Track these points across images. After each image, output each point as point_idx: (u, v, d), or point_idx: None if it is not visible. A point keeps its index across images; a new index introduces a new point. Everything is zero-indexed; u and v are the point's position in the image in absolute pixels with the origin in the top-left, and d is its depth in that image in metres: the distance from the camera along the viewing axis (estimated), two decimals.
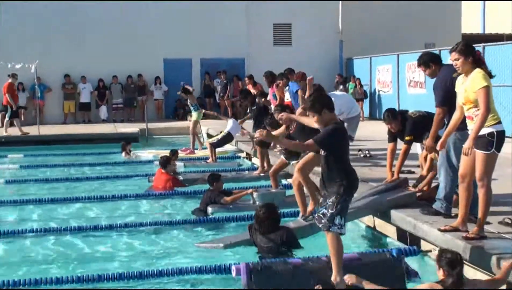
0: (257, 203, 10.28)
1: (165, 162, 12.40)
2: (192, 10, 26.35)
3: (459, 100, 6.64)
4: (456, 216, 7.54)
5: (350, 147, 10.78)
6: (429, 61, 8.00)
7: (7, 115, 21.52)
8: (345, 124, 10.72)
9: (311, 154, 8.67)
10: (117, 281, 7.02)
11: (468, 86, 6.47)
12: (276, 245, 7.71)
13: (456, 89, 6.84)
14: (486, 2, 39.06)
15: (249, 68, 27.04)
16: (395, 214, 8.16)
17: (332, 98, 10.47)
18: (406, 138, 9.06)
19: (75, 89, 25.96)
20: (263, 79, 16.45)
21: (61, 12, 25.63)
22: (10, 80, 21.32)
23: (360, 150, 13.48)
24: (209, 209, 10.22)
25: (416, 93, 21.13)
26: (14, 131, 21.80)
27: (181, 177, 12.69)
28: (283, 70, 13.91)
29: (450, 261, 5.35)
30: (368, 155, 13.37)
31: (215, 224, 9.64)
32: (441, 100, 7.48)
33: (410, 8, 27.95)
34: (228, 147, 16.76)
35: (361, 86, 24.44)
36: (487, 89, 6.33)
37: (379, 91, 24.22)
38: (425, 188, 8.75)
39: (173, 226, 9.51)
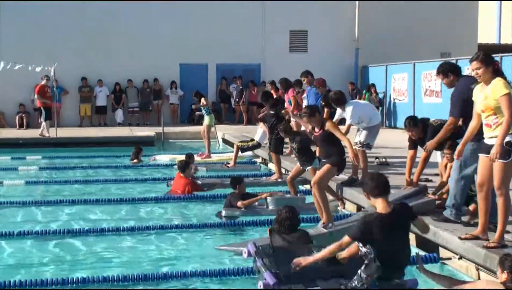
0: (271, 208, 10.43)
1: (184, 166, 12.50)
2: (208, 13, 26.53)
3: (478, 108, 6.73)
4: (468, 224, 7.67)
5: (367, 155, 11.05)
6: (449, 71, 8.14)
7: (42, 117, 21.71)
8: (365, 132, 10.89)
9: (327, 166, 8.81)
10: (142, 281, 7.18)
11: (489, 93, 6.57)
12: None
13: (473, 98, 6.94)
14: (503, 11, 38.98)
15: (265, 74, 27.22)
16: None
17: (351, 107, 10.73)
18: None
19: (91, 92, 26.17)
20: (268, 87, 16.66)
21: (79, 15, 25.84)
22: (43, 82, 21.59)
23: (377, 157, 13.58)
24: (223, 213, 10.38)
25: (432, 102, 21.17)
26: (31, 133, 22.15)
27: (199, 182, 12.81)
28: (300, 73, 13.93)
29: None
30: (384, 162, 13.46)
31: (234, 227, 9.77)
32: (458, 111, 7.61)
33: (426, 17, 27.97)
34: (246, 153, 16.84)
35: (377, 94, 24.51)
36: (510, 96, 6.44)
37: (394, 99, 24.28)
38: (444, 196, 8.82)
39: (193, 229, 9.65)
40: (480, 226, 6.98)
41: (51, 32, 25.60)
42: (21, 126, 25.03)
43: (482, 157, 6.79)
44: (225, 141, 21.73)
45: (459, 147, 7.19)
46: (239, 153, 15.56)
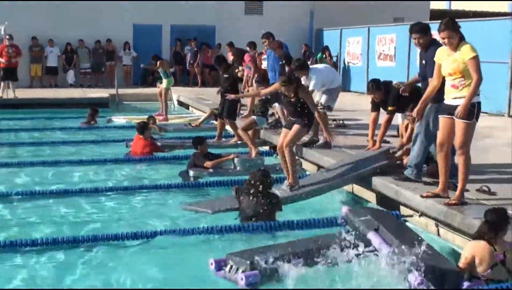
0: (238, 168, 10.54)
1: (143, 127, 12.45)
2: None
3: (445, 71, 6.89)
4: (427, 183, 7.92)
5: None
6: (428, 29, 8.06)
7: None
8: (325, 95, 11.03)
9: (297, 127, 8.88)
10: (108, 241, 7.16)
11: (457, 57, 6.74)
12: (264, 208, 7.87)
13: (439, 61, 7.08)
14: None
15: (220, 36, 27.05)
16: (376, 180, 8.48)
17: (315, 75, 10.85)
18: (389, 108, 9.35)
19: (42, 52, 25.64)
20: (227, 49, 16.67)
21: None
22: (6, 43, 21.02)
23: (334, 120, 13.76)
24: (190, 172, 10.42)
25: (385, 66, 21.45)
26: None
27: (159, 143, 12.81)
28: (262, 34, 13.91)
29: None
30: (342, 124, 13.68)
31: (198, 188, 9.83)
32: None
33: None
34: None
35: (331, 57, 24.66)
36: (477, 59, 6.64)
37: (348, 63, 24.50)
38: (404, 157, 9.03)
39: (156, 189, 9.67)
40: (441, 184, 7.21)
41: None
42: None
43: (442, 118, 7.00)
44: (180, 103, 21.68)
45: (418, 106, 7.38)
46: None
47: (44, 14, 25.31)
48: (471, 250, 5.58)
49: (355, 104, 17.70)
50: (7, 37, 20.98)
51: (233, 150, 12.32)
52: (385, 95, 9.45)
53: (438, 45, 7.39)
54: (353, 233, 6.30)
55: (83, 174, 11.05)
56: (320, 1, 27.41)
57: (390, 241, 5.88)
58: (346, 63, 24.68)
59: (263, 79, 11.16)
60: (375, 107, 9.80)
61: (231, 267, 6.09)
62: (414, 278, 5.38)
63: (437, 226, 7.25)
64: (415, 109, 7.44)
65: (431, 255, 5.70)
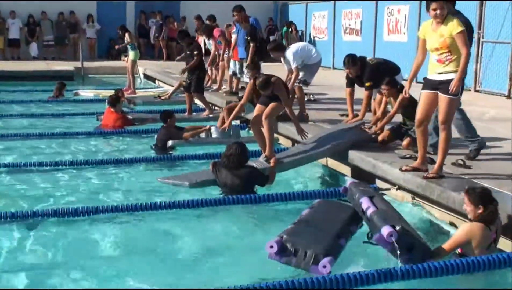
0: (214, 137, 10.63)
1: (114, 101, 12.40)
2: None
3: (431, 46, 6.91)
4: (404, 157, 8.06)
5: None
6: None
7: None
8: (302, 71, 11.08)
9: (276, 103, 8.93)
10: (79, 215, 7.09)
11: (444, 32, 6.76)
12: (242, 181, 7.95)
13: (422, 35, 7.13)
14: None
15: (184, 9, 26.88)
16: (353, 153, 8.58)
17: (290, 52, 10.91)
18: (366, 84, 9.46)
19: (3, 24, 25.15)
20: (195, 22, 16.62)
21: None
22: None
23: (305, 94, 13.82)
24: (169, 143, 10.46)
25: (352, 40, 21.59)
26: None
27: (130, 117, 12.76)
28: (233, 8, 13.84)
29: (489, 194, 5.65)
30: (312, 98, 13.77)
31: (175, 161, 9.84)
32: None
33: None
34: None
35: (297, 31, 24.70)
36: (465, 33, 6.71)
37: (314, 37, 24.57)
38: (378, 131, 9.17)
39: (131, 163, 9.62)
40: (420, 158, 7.34)
41: None
42: None
43: (426, 93, 7.06)
44: (146, 77, 21.55)
45: (406, 85, 7.43)
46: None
47: None
48: (470, 235, 5.47)
49: (322, 78, 17.69)
50: None
51: (205, 123, 12.33)
52: (361, 70, 9.55)
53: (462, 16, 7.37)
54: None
55: (56, 147, 10.97)
56: None
57: (379, 207, 5.92)
58: (312, 37, 24.75)
59: (254, 67, 11.05)
60: (350, 83, 9.90)
61: (300, 251, 5.37)
62: (386, 229, 5.30)
63: (413, 198, 7.41)
64: (405, 89, 7.50)
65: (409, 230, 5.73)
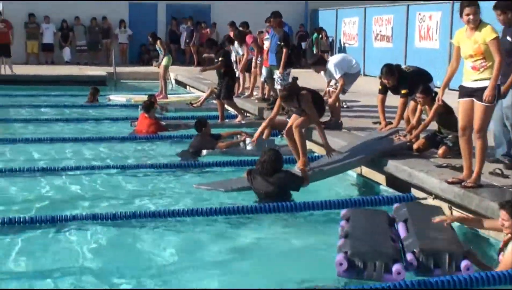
0: (248, 148, 10.65)
1: (149, 107, 12.52)
2: None
3: (465, 53, 6.90)
4: (441, 166, 8.02)
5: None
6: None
7: None
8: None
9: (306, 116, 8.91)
10: (117, 219, 7.14)
11: (478, 38, 6.75)
12: (276, 187, 7.97)
13: (457, 43, 7.11)
14: None
15: (215, 15, 27.03)
16: (388, 162, 8.54)
17: (331, 63, 11.04)
18: (402, 92, 9.39)
19: (38, 28, 25.53)
20: (228, 28, 16.69)
21: None
22: None
23: None
24: (204, 153, 10.52)
25: (383, 47, 21.53)
26: None
27: (163, 123, 12.87)
28: (270, 14, 13.87)
29: None
30: (345, 106, 13.77)
31: (209, 168, 9.88)
32: None
33: None
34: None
35: (327, 38, 24.70)
36: (498, 40, 6.71)
37: (344, 43, 24.55)
38: (414, 139, 9.14)
39: (168, 169, 9.72)
40: (466, 169, 7.19)
41: None
42: None
43: (463, 101, 7.03)
44: (178, 82, 21.69)
45: (440, 92, 7.42)
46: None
47: None
48: None
49: (353, 85, 17.67)
50: None
51: (238, 129, 12.39)
52: (398, 80, 9.51)
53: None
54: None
55: (90, 151, 11.10)
56: None
57: (410, 230, 6.00)
58: (342, 44, 24.73)
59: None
60: (383, 90, 9.87)
61: (369, 264, 5.37)
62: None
63: (450, 209, 7.35)
64: (438, 95, 7.49)
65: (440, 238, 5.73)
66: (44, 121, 13.84)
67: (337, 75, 11.12)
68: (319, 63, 11.55)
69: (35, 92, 18.49)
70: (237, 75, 14.80)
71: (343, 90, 11.27)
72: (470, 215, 6.55)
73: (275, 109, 9.44)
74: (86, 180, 9.11)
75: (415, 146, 8.87)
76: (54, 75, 21.43)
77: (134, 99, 16.76)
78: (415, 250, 5.52)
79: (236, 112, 13.49)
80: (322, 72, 11.57)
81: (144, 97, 14.77)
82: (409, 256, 5.51)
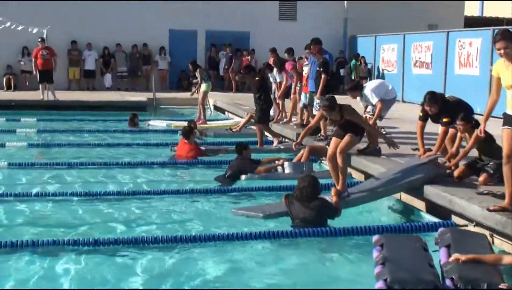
0: (287, 172, 10.71)
1: (188, 132, 12.68)
2: None
3: (506, 83, 6.89)
4: (482, 193, 7.95)
5: None
6: None
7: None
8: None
9: (350, 135, 8.94)
10: (158, 243, 7.23)
11: None
12: (314, 213, 8.02)
13: (495, 74, 7.12)
14: None
15: (254, 41, 27.30)
16: (428, 188, 8.53)
17: (368, 89, 11.13)
18: (444, 120, 9.30)
19: (80, 55, 26.05)
20: (269, 54, 16.85)
21: None
22: (40, 46, 21.43)
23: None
24: (243, 177, 10.62)
25: (422, 73, 21.46)
26: (22, 95, 22.16)
27: (203, 148, 12.99)
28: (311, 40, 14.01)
29: None
30: (384, 132, 13.71)
31: (248, 192, 9.92)
32: None
33: None
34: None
35: (366, 64, 24.73)
36: None
37: (383, 70, 24.54)
38: (453, 167, 9.11)
39: (207, 193, 9.80)
40: (508, 197, 7.13)
41: None
42: (8, 88, 24.85)
43: (507, 129, 6.99)
44: (216, 108, 21.87)
45: (482, 124, 7.42)
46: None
47: (83, 18, 25.70)
48: None
49: (392, 112, 17.59)
50: (39, 39, 21.36)
51: (276, 155, 12.47)
52: (440, 108, 9.43)
53: None
54: None
55: (130, 176, 11.23)
56: (354, 7, 27.46)
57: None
58: (380, 70, 24.73)
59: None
60: (424, 117, 9.82)
61: None
62: (448, 283, 5.45)
63: (491, 236, 7.30)
64: (480, 127, 7.49)
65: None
66: (86, 146, 14.08)
67: (374, 100, 11.23)
68: (355, 88, 11.63)
69: (77, 117, 18.79)
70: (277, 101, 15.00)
71: (380, 116, 11.27)
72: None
73: (315, 119, 9.74)
74: (127, 205, 9.21)
75: (456, 173, 8.83)
76: (95, 101, 21.81)
77: (173, 125, 16.96)
78: (454, 277, 5.49)
79: (272, 137, 13.55)
80: (358, 98, 11.63)
81: (183, 123, 15.02)
82: (447, 282, 5.50)
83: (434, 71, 20.69)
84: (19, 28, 21.21)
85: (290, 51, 16.49)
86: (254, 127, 14.29)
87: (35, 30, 21.09)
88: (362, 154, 10.78)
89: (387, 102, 11.41)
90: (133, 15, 26.15)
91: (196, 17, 26.63)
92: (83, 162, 11.98)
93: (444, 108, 9.34)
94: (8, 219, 8.45)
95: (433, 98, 9.44)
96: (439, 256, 6.12)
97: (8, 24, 21.26)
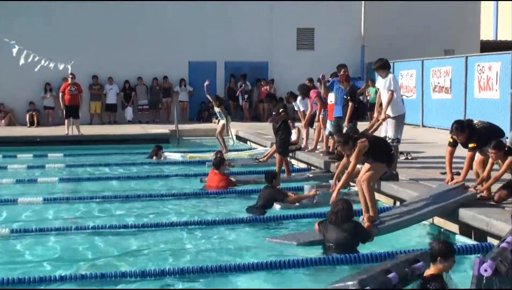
0: (320, 201, 10.82)
1: (219, 163, 12.90)
2: (217, 13, 26.91)
3: None
4: None
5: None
6: None
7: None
8: (391, 126, 11.25)
9: (375, 166, 9.00)
10: (192, 274, 7.34)
11: None
12: (347, 235, 8.13)
13: None
14: (499, 9, 39.50)
15: (272, 71, 27.61)
16: (463, 211, 8.66)
17: (392, 75, 11.18)
18: (470, 145, 9.37)
19: (101, 90, 26.41)
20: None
21: (90, 13, 26.13)
22: (69, 81, 21.77)
23: (401, 152, 13.92)
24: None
25: (441, 98, 21.56)
26: (46, 131, 22.49)
27: (233, 178, 13.15)
28: (337, 66, 14.20)
29: None
30: (410, 158, 13.86)
31: (281, 221, 10.06)
32: None
33: (430, 14, 28.55)
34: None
35: None
36: None
37: (402, 96, 24.52)
38: (484, 192, 9.21)
39: (240, 223, 9.93)
40: None
41: (62, 30, 25.83)
42: (31, 124, 25.18)
43: None
44: (239, 138, 22.05)
45: None
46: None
47: (104, 53, 26.14)
48: None
49: (413, 137, 17.86)
50: (71, 76, 21.69)
51: (304, 183, 12.61)
52: (468, 135, 9.44)
53: None
54: None
55: (164, 208, 11.39)
56: (371, 34, 27.73)
57: None
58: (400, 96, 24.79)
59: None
60: (453, 143, 9.86)
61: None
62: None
63: None
64: None
65: None
66: (115, 179, 14.24)
67: (392, 87, 11.11)
68: (384, 67, 11.37)
69: (103, 151, 19.01)
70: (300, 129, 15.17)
71: (398, 140, 11.25)
72: None
73: (342, 162, 9.65)
74: (163, 237, 9.32)
75: (496, 197, 8.90)
76: (120, 134, 22.03)
77: (188, 156, 17.11)
78: None
79: (277, 169, 13.34)
80: (379, 78, 11.61)
81: (199, 154, 15.79)
82: None
83: (454, 95, 20.79)
84: (45, 64, 21.55)
85: (310, 81, 16.74)
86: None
87: (61, 66, 21.43)
88: (379, 179, 10.85)
89: (398, 120, 11.31)
90: (153, 48, 26.54)
91: (215, 48, 26.98)
92: (117, 195, 12.14)
93: (472, 134, 9.40)
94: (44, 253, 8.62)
95: (459, 127, 9.43)
96: None
97: (35, 59, 21.49)
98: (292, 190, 11.75)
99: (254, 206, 10.97)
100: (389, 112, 11.17)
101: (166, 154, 17.69)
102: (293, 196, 11.00)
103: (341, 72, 13.68)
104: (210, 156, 16.43)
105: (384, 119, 11.10)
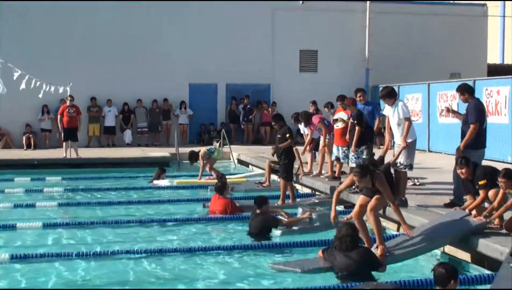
0: (317, 223, 10.70)
1: (221, 188, 12.64)
2: (218, 35, 26.64)
3: None
4: None
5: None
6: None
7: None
8: (404, 152, 10.90)
9: (379, 197, 8.77)
10: None
11: None
12: (357, 263, 7.87)
13: None
14: (506, 32, 39.34)
15: (275, 94, 27.33)
16: (475, 240, 8.36)
17: (402, 102, 10.90)
18: (480, 182, 9.06)
19: (100, 112, 26.05)
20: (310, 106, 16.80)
21: (88, 34, 25.92)
22: (67, 103, 21.37)
23: (408, 178, 13.52)
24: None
25: (448, 122, 21.16)
26: (43, 154, 22.13)
27: (237, 203, 12.74)
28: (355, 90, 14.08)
29: None
30: (418, 183, 13.48)
31: (281, 248, 9.80)
32: None
33: (435, 38, 28.28)
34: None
35: None
36: None
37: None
38: (496, 220, 8.82)
39: (245, 249, 9.66)
40: None
41: (60, 51, 25.56)
42: (28, 146, 24.76)
43: None
44: (240, 162, 21.68)
45: None
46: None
47: (103, 75, 25.83)
48: None
49: (420, 162, 17.44)
50: (69, 98, 21.31)
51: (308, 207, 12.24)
52: (472, 174, 9.23)
53: None
54: None
55: (166, 233, 11.17)
56: (375, 57, 27.49)
57: None
58: None
59: None
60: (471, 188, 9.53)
61: None
62: None
63: None
64: None
65: None
66: (116, 204, 13.89)
67: (406, 114, 10.92)
68: (390, 96, 11.08)
69: (102, 175, 18.65)
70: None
71: (411, 166, 10.93)
72: None
73: (346, 182, 9.42)
74: (166, 263, 9.13)
75: (505, 226, 8.50)
76: (119, 158, 21.63)
77: (176, 182, 16.64)
78: None
79: (281, 194, 13.07)
80: (387, 106, 11.24)
81: (187, 180, 15.81)
82: None
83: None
84: (47, 89, 21.15)
85: (314, 104, 16.42)
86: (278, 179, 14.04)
87: (61, 89, 21.09)
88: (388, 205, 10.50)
89: (411, 146, 11.00)
90: (152, 69, 26.25)
91: (216, 70, 26.66)
92: (118, 220, 11.85)
93: (479, 172, 9.16)
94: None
95: (464, 161, 9.29)
96: None
97: (36, 84, 21.06)
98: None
99: (250, 232, 10.77)
100: (399, 138, 10.90)
101: (155, 181, 16.91)
102: (286, 219, 10.76)
103: (358, 96, 13.62)
104: (200, 181, 16.28)
105: (404, 148, 10.83)
